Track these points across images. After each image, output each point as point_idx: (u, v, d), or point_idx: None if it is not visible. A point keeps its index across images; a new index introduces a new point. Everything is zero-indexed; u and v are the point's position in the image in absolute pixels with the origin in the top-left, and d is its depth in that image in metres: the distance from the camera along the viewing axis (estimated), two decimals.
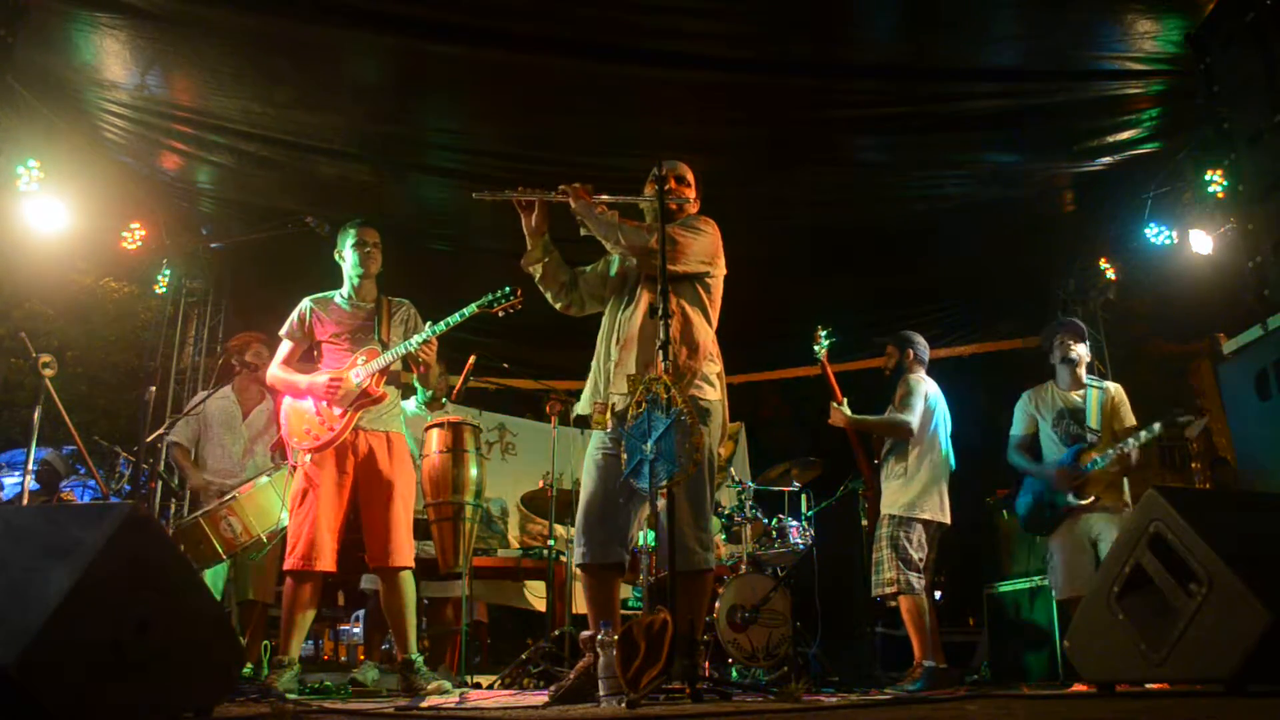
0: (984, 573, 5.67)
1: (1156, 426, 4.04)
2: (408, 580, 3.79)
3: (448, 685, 3.74)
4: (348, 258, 3.95)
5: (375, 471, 3.78)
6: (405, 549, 3.79)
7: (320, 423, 3.76)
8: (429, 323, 3.79)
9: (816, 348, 4.90)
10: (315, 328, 3.93)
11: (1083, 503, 4.18)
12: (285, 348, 3.98)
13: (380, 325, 3.90)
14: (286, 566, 3.70)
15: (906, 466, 4.49)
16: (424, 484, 4.43)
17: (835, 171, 5.57)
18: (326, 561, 3.66)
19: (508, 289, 3.72)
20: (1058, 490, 4.25)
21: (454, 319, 3.73)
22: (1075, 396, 4.40)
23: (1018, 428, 4.54)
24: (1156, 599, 2.34)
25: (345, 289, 3.98)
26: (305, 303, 3.99)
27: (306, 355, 4.02)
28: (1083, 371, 4.47)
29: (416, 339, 3.71)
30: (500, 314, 3.73)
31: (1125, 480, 4.25)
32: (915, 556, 4.34)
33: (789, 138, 5.19)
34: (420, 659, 3.78)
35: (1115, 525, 4.06)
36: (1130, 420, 4.29)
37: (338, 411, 3.74)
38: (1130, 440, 4.09)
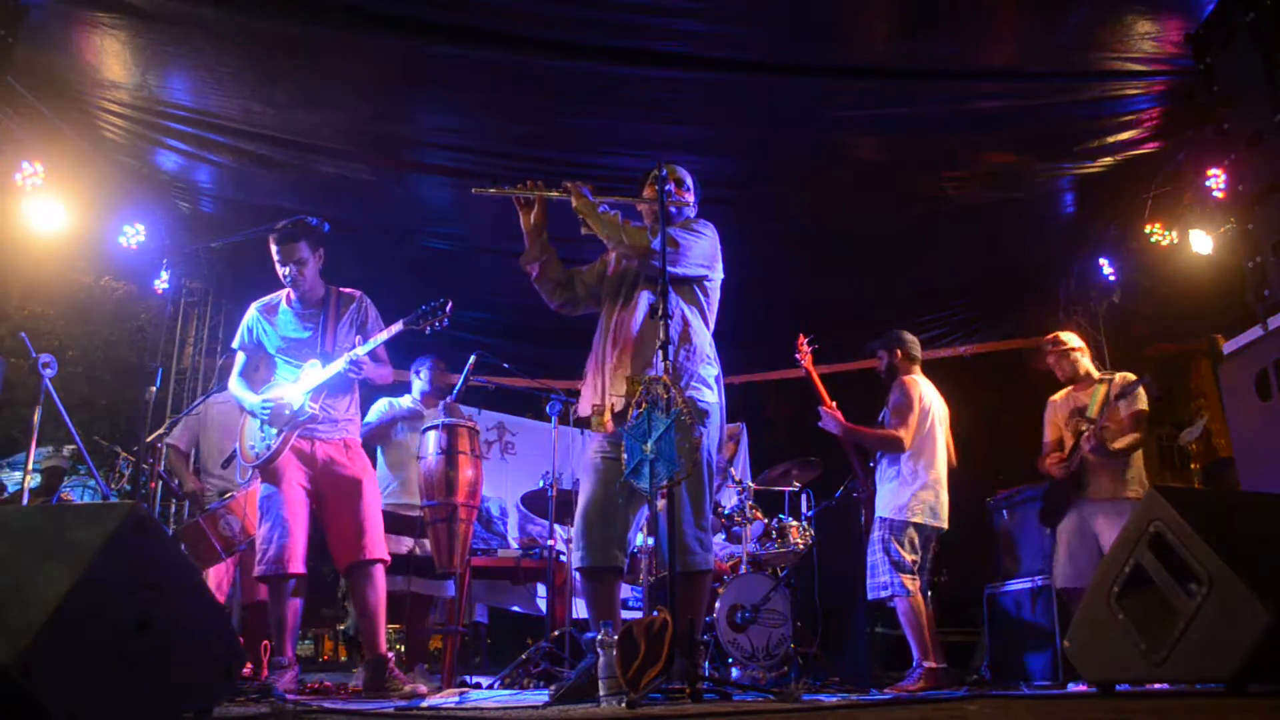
0: (984, 573, 5.67)
1: (1147, 379, 4.28)
2: (382, 574, 3.77)
3: (423, 688, 3.71)
4: (279, 272, 3.82)
5: (336, 475, 3.76)
6: (380, 541, 3.78)
7: (261, 440, 3.75)
8: (359, 337, 3.77)
9: (798, 355, 4.89)
10: (263, 340, 3.88)
11: (1084, 496, 4.28)
12: (240, 360, 3.94)
13: (326, 332, 3.82)
14: (257, 573, 3.70)
15: (900, 470, 4.49)
16: (420, 485, 4.44)
17: (835, 171, 5.56)
18: (298, 564, 3.66)
19: (436, 303, 3.68)
20: (1051, 475, 4.41)
21: (380, 338, 3.71)
22: (1084, 395, 4.48)
23: (1045, 435, 4.65)
24: (1156, 599, 2.34)
25: (292, 294, 3.89)
26: (251, 313, 3.93)
27: (270, 361, 3.94)
28: (1086, 363, 4.55)
29: (340, 361, 3.67)
30: (428, 330, 3.68)
31: (1131, 472, 4.26)
32: (908, 560, 4.34)
33: (789, 138, 5.20)
34: (391, 659, 3.76)
35: (1117, 521, 4.11)
36: (1141, 405, 4.32)
37: (274, 431, 3.72)
38: (1098, 414, 4.22)
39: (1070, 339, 4.66)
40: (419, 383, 5.33)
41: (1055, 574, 4.44)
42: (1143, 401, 4.33)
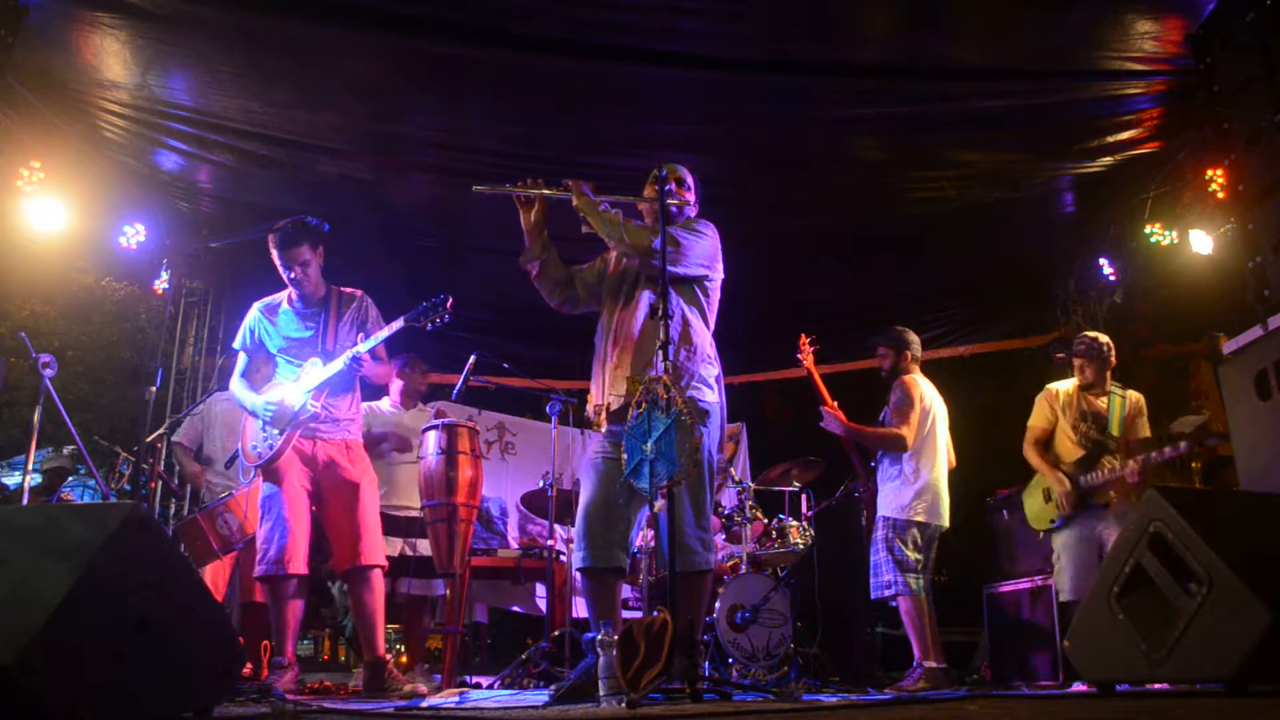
0: (984, 573, 5.67)
1: (1183, 445, 4.07)
2: (379, 579, 3.78)
3: (423, 688, 3.71)
4: (282, 275, 3.81)
5: (337, 478, 3.76)
6: (378, 546, 3.78)
7: (264, 440, 3.75)
8: (360, 336, 3.77)
9: (800, 355, 4.89)
10: (265, 340, 3.88)
11: (1098, 511, 4.25)
12: (242, 360, 3.94)
13: (327, 332, 3.82)
14: (258, 573, 3.69)
15: (902, 469, 4.49)
16: (420, 485, 4.44)
17: (835, 171, 5.57)
18: (299, 564, 3.66)
19: (437, 299, 3.65)
20: (1062, 506, 4.31)
21: (381, 335, 3.70)
22: (1100, 401, 4.42)
23: (1037, 420, 4.55)
24: (1156, 599, 2.34)
25: (294, 293, 3.88)
26: (253, 313, 3.92)
27: (271, 361, 3.93)
28: (1109, 375, 4.49)
29: (341, 359, 3.67)
30: (429, 327, 3.66)
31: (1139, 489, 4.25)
32: (912, 558, 4.34)
33: (789, 137, 5.20)
34: (390, 660, 3.76)
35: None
36: (1145, 431, 4.33)
37: (276, 431, 3.72)
38: (1160, 451, 4.11)
39: (1110, 349, 4.49)
40: (396, 382, 5.32)
41: (1062, 586, 4.36)
42: (1147, 425, 4.35)
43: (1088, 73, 4.58)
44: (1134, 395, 4.43)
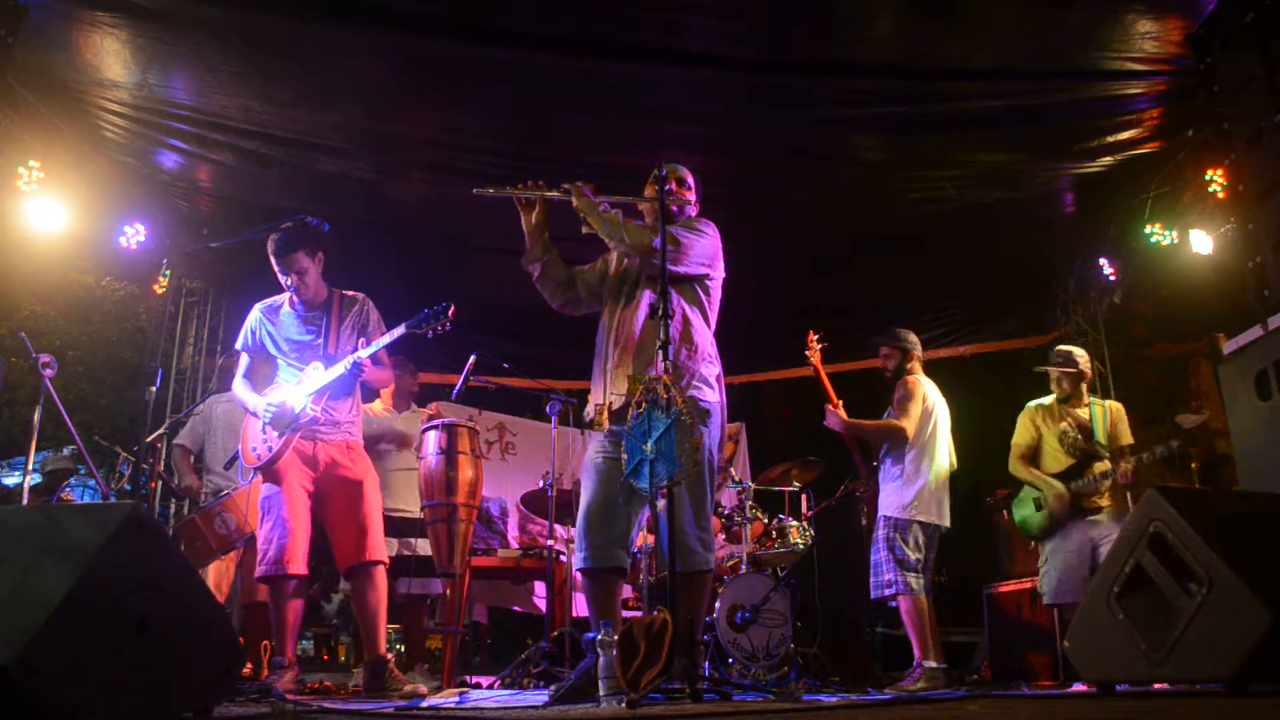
0: (984, 573, 5.67)
1: (1174, 444, 4.13)
2: (383, 577, 3.77)
3: (423, 688, 3.71)
4: (282, 283, 3.80)
5: (338, 478, 3.76)
6: (382, 544, 3.79)
7: (264, 441, 3.74)
8: (361, 340, 3.77)
9: (808, 352, 4.91)
10: (266, 342, 3.87)
11: (1090, 517, 4.28)
12: (244, 362, 3.92)
13: (329, 335, 3.82)
14: (258, 574, 3.69)
15: (904, 468, 4.49)
16: (420, 485, 4.44)
17: (835, 171, 5.57)
18: (299, 564, 3.66)
19: (439, 307, 3.64)
20: (1057, 514, 4.33)
21: (383, 341, 3.70)
22: (1080, 412, 4.47)
23: (1021, 437, 4.59)
24: (1156, 599, 2.34)
25: (294, 296, 3.87)
26: (255, 314, 3.91)
27: (273, 363, 3.93)
28: (1084, 387, 4.53)
29: (342, 364, 3.67)
30: (429, 335, 3.65)
31: (1127, 493, 4.29)
32: (913, 558, 4.35)
33: (789, 137, 5.20)
34: (391, 660, 3.76)
35: (1117, 531, 4.11)
36: (1128, 438, 4.38)
37: (276, 433, 3.72)
38: (1151, 451, 4.16)
39: (1085, 362, 4.55)
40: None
41: (1046, 590, 4.39)
42: (1128, 431, 4.40)
43: (1088, 73, 4.58)
44: (1114, 405, 4.49)
